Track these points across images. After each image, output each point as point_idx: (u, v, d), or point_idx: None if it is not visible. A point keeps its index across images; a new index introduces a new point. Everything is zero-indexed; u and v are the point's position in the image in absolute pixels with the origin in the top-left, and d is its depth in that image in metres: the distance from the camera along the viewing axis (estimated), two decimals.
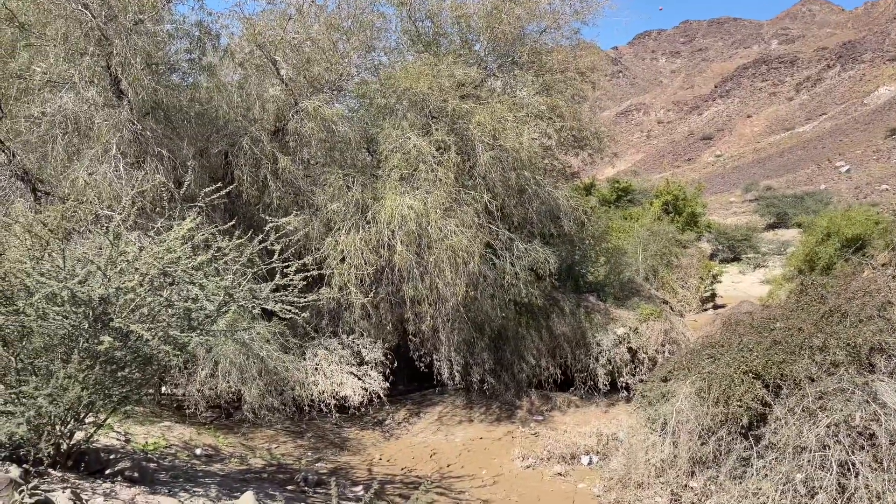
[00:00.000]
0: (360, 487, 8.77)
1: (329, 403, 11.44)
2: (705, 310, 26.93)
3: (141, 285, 5.57)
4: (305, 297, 6.63)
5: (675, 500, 8.28)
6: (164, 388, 11.64)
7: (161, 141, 9.86)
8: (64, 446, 5.71)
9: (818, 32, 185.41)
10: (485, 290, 11.43)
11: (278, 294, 6.28)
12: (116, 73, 9.66)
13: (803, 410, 5.49)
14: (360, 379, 11.95)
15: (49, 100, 9.46)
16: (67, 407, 5.37)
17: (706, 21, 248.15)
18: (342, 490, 8.59)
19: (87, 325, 5.40)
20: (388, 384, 12.08)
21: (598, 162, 14.13)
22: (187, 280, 5.68)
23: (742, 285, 34.59)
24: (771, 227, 55.69)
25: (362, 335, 12.57)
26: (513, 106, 10.81)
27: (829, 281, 6.99)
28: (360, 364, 12.26)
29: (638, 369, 13.86)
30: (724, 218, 60.07)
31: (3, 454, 5.36)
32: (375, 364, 12.30)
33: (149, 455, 8.08)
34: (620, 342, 13.89)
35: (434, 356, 13.03)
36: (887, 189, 69.68)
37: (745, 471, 6.09)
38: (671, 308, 18.29)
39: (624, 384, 13.73)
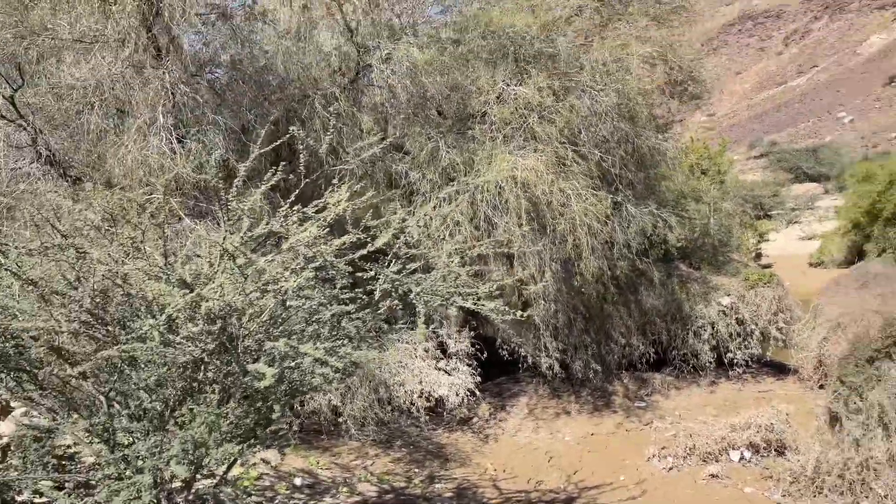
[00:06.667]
0: None
1: (418, 406, 9.95)
2: None
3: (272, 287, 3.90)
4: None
5: None
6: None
7: (216, 108, 8.08)
8: None
9: None
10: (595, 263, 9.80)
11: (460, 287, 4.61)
12: (150, 24, 7.84)
13: None
14: (449, 374, 10.43)
15: (77, 62, 7.64)
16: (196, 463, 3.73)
17: None
18: None
19: (212, 348, 3.72)
20: (478, 378, 10.62)
21: (693, 111, 12.42)
22: (339, 273, 3.99)
23: (779, 243, 33.16)
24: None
25: (441, 324, 11.01)
26: (627, 42, 9.05)
27: None
28: (444, 357, 10.75)
29: (746, 343, 12.32)
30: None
31: None
32: (461, 356, 10.80)
33: (251, 495, 6.44)
34: (727, 313, 12.32)
35: (520, 340, 11.49)
36: None
37: None
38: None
39: (732, 361, 12.19)
